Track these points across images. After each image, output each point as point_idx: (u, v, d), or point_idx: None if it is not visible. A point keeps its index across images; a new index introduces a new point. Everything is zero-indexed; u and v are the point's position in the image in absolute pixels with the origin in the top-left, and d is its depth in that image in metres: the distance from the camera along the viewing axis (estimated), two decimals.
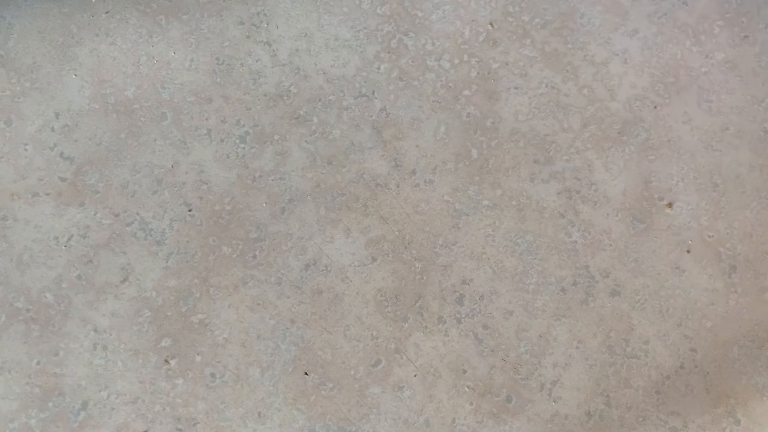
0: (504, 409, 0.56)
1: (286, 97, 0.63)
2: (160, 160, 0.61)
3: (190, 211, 0.62)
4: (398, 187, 0.64)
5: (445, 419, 0.56)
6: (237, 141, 0.62)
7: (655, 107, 0.64)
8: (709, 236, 0.65)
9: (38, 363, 0.55)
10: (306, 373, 0.56)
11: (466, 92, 0.64)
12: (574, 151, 0.63)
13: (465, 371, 0.58)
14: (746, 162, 0.63)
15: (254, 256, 0.61)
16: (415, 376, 0.57)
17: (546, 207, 0.64)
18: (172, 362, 0.56)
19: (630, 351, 0.60)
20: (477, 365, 0.58)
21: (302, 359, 0.57)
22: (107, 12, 0.63)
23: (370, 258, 0.62)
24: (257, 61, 0.63)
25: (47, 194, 0.62)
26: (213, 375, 0.55)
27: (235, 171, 0.61)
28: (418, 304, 0.60)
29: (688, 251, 0.64)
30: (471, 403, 0.56)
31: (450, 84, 0.64)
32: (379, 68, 0.64)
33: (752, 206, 0.65)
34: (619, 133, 0.63)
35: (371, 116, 0.63)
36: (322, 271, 0.61)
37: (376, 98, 0.63)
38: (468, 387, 0.57)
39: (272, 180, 0.63)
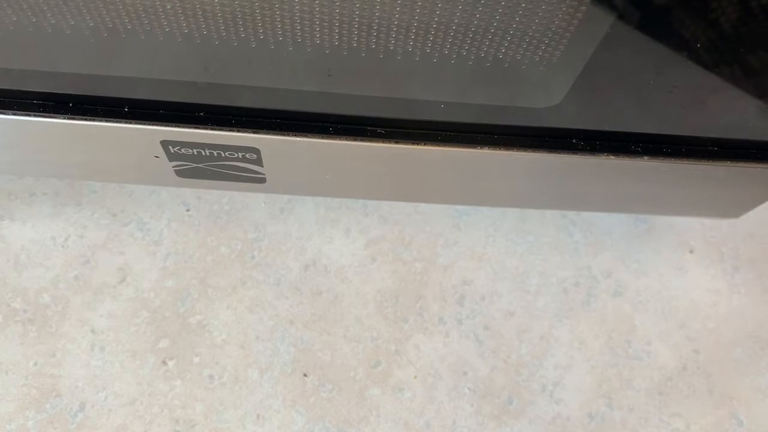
0: (505, 410, 0.56)
1: None
2: None
3: (188, 211, 0.62)
4: None
5: (446, 421, 0.55)
6: None
7: None
8: (712, 236, 0.64)
9: (35, 364, 0.54)
10: (305, 375, 0.56)
11: None
12: None
13: (466, 373, 0.57)
14: None
15: (253, 257, 0.60)
16: (415, 377, 0.57)
17: None
18: (170, 363, 0.55)
19: (632, 352, 0.59)
20: (478, 367, 0.57)
21: (301, 360, 0.56)
22: None
23: (370, 258, 0.61)
24: None
25: (44, 194, 0.61)
26: (211, 376, 0.55)
27: None
28: (418, 305, 0.60)
29: (691, 252, 0.64)
30: (472, 405, 0.56)
31: None
32: None
33: None
34: None
35: None
36: (321, 271, 0.60)
37: None
38: (469, 389, 0.57)
39: None
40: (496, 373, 0.57)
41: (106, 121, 0.40)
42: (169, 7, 0.32)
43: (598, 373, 0.58)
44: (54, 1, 0.32)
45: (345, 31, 0.34)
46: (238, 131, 0.40)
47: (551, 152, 0.42)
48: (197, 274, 0.59)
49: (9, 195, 0.61)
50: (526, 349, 0.59)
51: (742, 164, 0.43)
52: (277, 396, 0.55)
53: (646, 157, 0.42)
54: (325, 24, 0.33)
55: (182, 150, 0.42)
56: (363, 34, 0.34)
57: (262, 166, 0.44)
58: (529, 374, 0.58)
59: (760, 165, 0.43)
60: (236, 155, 0.43)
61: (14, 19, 0.33)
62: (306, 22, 0.33)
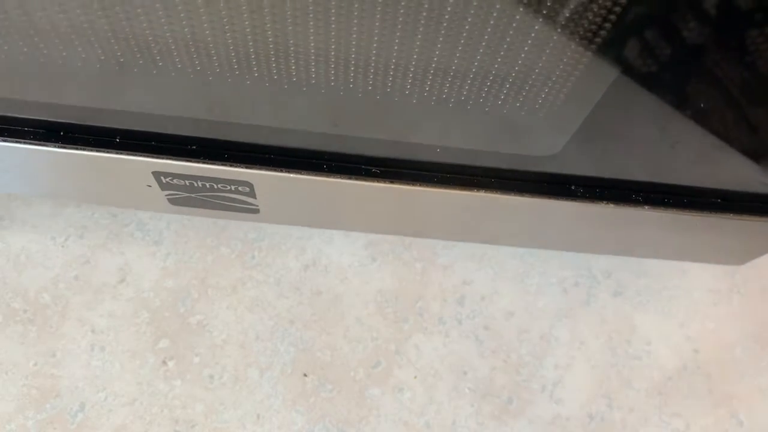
0: (505, 410, 0.56)
1: None
2: None
3: None
4: None
5: (446, 421, 0.55)
6: None
7: None
8: None
9: (35, 364, 0.54)
10: (305, 375, 0.56)
11: None
12: None
13: (466, 373, 0.57)
14: None
15: (253, 257, 0.60)
16: (415, 377, 0.57)
17: None
18: (170, 363, 0.55)
19: (632, 352, 0.60)
20: (478, 366, 0.57)
21: (301, 360, 0.56)
22: None
23: (370, 258, 0.61)
24: None
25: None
26: (211, 376, 0.55)
27: None
28: (418, 305, 0.60)
29: None
30: (472, 405, 0.56)
31: None
32: None
33: None
34: None
35: None
36: (321, 271, 0.60)
37: None
38: (469, 389, 0.57)
39: None
40: (496, 373, 0.57)
41: (97, 151, 0.39)
42: (162, 45, 0.32)
43: (598, 373, 0.58)
44: (47, 33, 0.31)
45: (341, 72, 0.33)
46: (231, 166, 0.39)
47: (549, 198, 0.41)
48: (197, 275, 0.59)
49: (9, 195, 0.61)
50: (526, 349, 0.59)
51: (746, 217, 0.42)
52: (277, 396, 0.55)
53: (647, 207, 0.41)
54: (321, 64, 0.32)
55: (174, 180, 0.41)
56: (359, 74, 0.33)
57: (256, 198, 0.43)
58: (529, 374, 0.58)
59: (765, 219, 0.42)
60: (229, 188, 0.42)
61: (5, 48, 0.33)
62: (301, 62, 0.32)
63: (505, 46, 0.30)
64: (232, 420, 0.54)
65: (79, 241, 0.60)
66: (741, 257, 0.49)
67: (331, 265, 0.60)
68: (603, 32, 0.29)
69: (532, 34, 0.29)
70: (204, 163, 0.39)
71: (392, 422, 0.55)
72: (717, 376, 0.59)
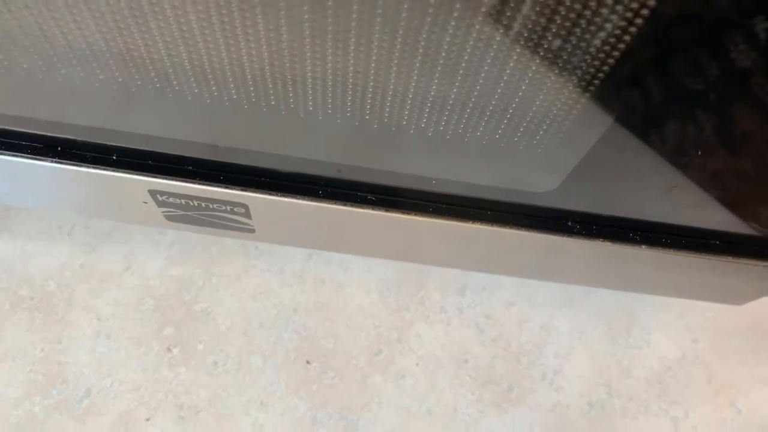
0: (506, 398, 0.57)
1: None
2: None
3: None
4: None
5: (447, 408, 0.56)
6: None
7: None
8: None
9: (42, 351, 0.55)
10: (308, 362, 0.56)
11: None
12: None
13: (467, 361, 0.58)
14: None
15: (256, 247, 0.61)
16: (417, 365, 0.57)
17: None
18: (175, 350, 0.56)
19: (632, 342, 0.60)
20: (479, 355, 0.58)
21: (304, 348, 0.57)
22: None
23: None
24: None
25: None
26: (215, 363, 0.56)
27: None
28: (420, 294, 0.60)
29: None
30: (473, 393, 0.56)
31: None
32: None
33: None
34: None
35: None
36: (324, 260, 0.61)
37: None
38: (470, 376, 0.57)
39: None
40: (497, 362, 0.58)
41: (94, 168, 0.39)
42: (160, 68, 0.32)
43: (598, 362, 0.59)
44: (46, 52, 0.32)
45: (338, 101, 0.33)
46: (226, 188, 0.39)
47: (545, 233, 0.41)
48: (202, 263, 0.60)
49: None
50: (527, 338, 0.59)
51: (745, 261, 0.41)
52: (280, 383, 0.55)
53: (644, 246, 0.41)
54: (318, 92, 0.32)
55: (170, 199, 0.42)
56: (357, 104, 0.33)
57: (251, 219, 0.43)
58: (530, 362, 0.58)
59: (764, 263, 0.41)
60: (225, 208, 0.42)
61: (6, 63, 0.33)
62: (299, 90, 0.32)
63: (502, 84, 0.30)
64: (236, 406, 0.54)
65: (84, 230, 0.60)
66: (740, 298, 0.48)
67: (334, 253, 0.61)
68: (601, 75, 0.28)
69: (530, 74, 0.29)
70: (199, 184, 0.40)
71: (394, 409, 0.55)
72: (716, 365, 0.60)
